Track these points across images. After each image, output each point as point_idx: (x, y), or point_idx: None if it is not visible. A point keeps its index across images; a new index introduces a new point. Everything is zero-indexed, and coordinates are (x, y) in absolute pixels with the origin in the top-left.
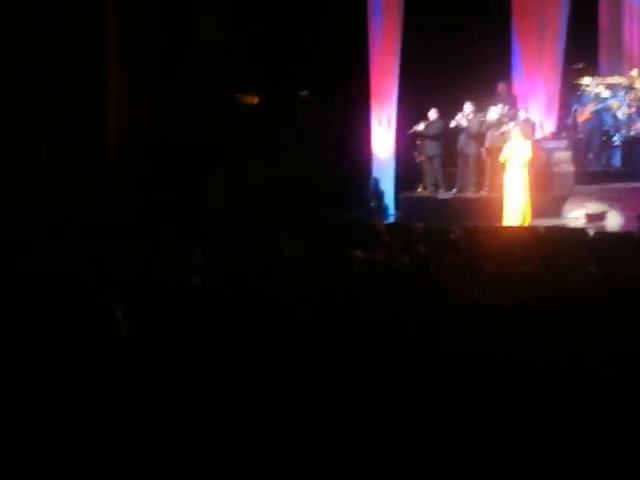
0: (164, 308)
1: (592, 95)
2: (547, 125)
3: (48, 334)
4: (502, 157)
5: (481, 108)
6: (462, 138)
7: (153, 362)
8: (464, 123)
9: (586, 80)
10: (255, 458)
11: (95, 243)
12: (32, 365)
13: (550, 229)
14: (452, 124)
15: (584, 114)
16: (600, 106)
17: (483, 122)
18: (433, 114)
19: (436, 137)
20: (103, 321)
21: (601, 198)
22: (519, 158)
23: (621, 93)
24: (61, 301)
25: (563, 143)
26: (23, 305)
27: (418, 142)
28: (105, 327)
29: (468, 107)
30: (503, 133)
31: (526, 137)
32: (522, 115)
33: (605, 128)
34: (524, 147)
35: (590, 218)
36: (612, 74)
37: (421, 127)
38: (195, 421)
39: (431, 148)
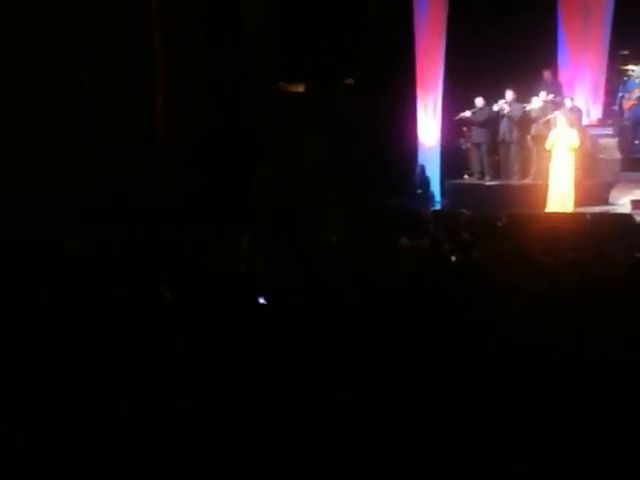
0: (210, 291)
1: (637, 81)
2: (593, 112)
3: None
4: (548, 144)
5: (526, 95)
6: (504, 125)
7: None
8: (507, 109)
9: (632, 66)
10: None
11: (144, 231)
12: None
13: (596, 215)
14: (495, 108)
15: (630, 101)
16: None
17: (527, 109)
18: (480, 101)
19: (483, 124)
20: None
21: None
22: (565, 145)
23: None
24: (110, 285)
25: (609, 130)
26: (73, 289)
27: (464, 129)
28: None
29: (510, 94)
30: (548, 120)
31: (572, 124)
32: (568, 102)
33: None
34: (570, 134)
35: (636, 204)
36: None
37: (468, 114)
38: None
39: (478, 135)
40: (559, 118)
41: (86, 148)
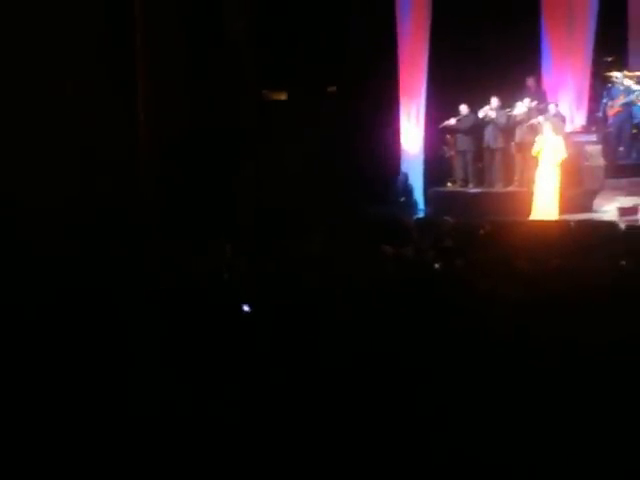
0: (193, 302)
1: (621, 88)
2: (577, 119)
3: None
4: (534, 151)
5: (510, 103)
6: (489, 132)
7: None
8: (492, 115)
9: (616, 73)
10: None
11: (122, 240)
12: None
13: (581, 223)
14: (480, 114)
15: (614, 107)
16: (629, 99)
17: (511, 116)
18: (464, 109)
19: (468, 131)
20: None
21: (632, 192)
22: (551, 152)
23: None
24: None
25: (593, 137)
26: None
27: (448, 137)
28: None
29: (495, 101)
30: (532, 127)
31: (557, 131)
32: (553, 109)
33: (635, 121)
34: (556, 142)
35: (622, 211)
36: None
37: (453, 122)
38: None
39: (463, 143)
40: (545, 125)
41: (67, 149)
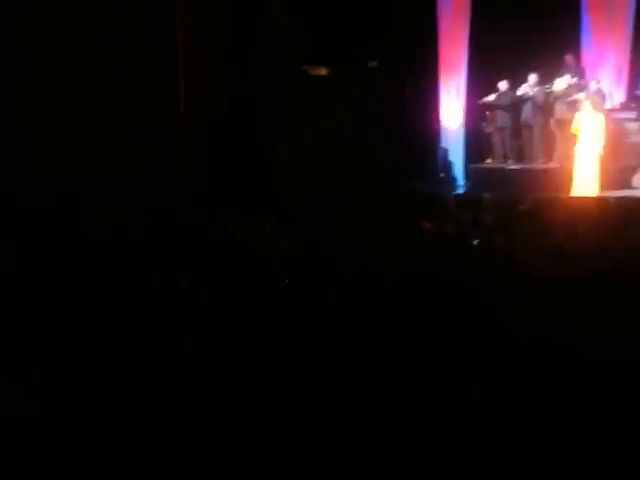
0: (232, 276)
1: None
2: (617, 95)
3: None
4: (574, 128)
5: (549, 79)
6: (527, 109)
7: (214, 326)
8: (530, 93)
9: None
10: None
11: (160, 213)
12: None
13: (620, 200)
14: (519, 92)
15: None
16: None
17: (550, 93)
18: (503, 85)
19: (507, 108)
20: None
21: None
22: (591, 129)
23: None
24: (129, 269)
25: (633, 114)
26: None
27: (487, 113)
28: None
29: (533, 78)
30: (572, 104)
31: (597, 108)
32: (593, 86)
33: None
34: (596, 118)
35: None
36: None
37: (492, 98)
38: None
39: (502, 119)
40: (584, 102)
41: (108, 130)
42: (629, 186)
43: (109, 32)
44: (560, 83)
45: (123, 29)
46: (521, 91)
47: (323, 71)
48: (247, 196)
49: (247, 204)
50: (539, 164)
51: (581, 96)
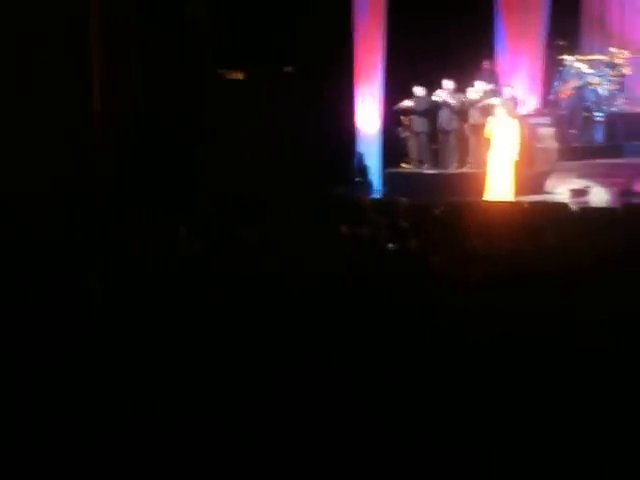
0: (145, 281)
1: (573, 71)
2: (530, 101)
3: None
4: (487, 133)
5: (464, 85)
6: (443, 114)
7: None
8: (445, 98)
9: (567, 57)
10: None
11: (80, 223)
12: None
13: (534, 204)
14: (434, 98)
15: (566, 90)
16: (581, 82)
17: (465, 98)
18: (420, 90)
19: (423, 113)
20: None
21: (583, 174)
22: (504, 135)
23: (603, 70)
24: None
25: (546, 119)
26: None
27: (403, 118)
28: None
29: (447, 84)
30: (486, 109)
31: (511, 114)
32: (507, 92)
33: (587, 104)
34: (510, 124)
35: (574, 193)
36: (592, 52)
37: (408, 103)
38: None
39: (418, 124)
40: (498, 107)
41: (22, 135)
42: (543, 191)
43: (22, 33)
44: (475, 91)
45: (37, 31)
46: (436, 97)
47: (239, 75)
48: (166, 198)
49: (166, 206)
50: (453, 169)
51: (495, 102)
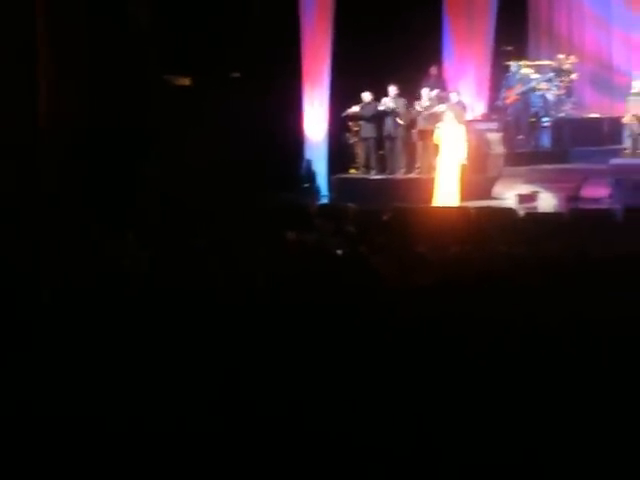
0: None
1: (518, 77)
2: (478, 107)
3: None
4: (435, 139)
5: (412, 90)
6: (389, 121)
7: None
8: (392, 105)
9: (512, 62)
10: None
11: (23, 228)
12: None
13: (481, 210)
14: (380, 107)
15: (511, 96)
16: (526, 87)
17: (412, 105)
18: (367, 96)
19: (370, 119)
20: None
21: (531, 179)
22: (452, 140)
23: (550, 75)
24: None
25: (494, 125)
26: None
27: (351, 124)
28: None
29: (393, 90)
30: (434, 115)
31: (459, 119)
32: (454, 97)
33: (534, 109)
34: (457, 129)
35: (522, 199)
36: (540, 57)
37: (356, 109)
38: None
39: (365, 130)
40: (446, 113)
41: None
42: (490, 196)
43: None
44: (423, 95)
45: None
46: (382, 106)
47: (186, 81)
48: (113, 210)
49: (113, 218)
50: (401, 175)
51: (442, 108)
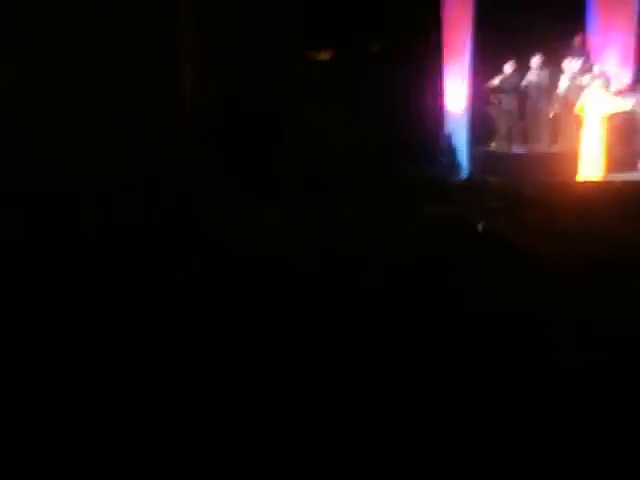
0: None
1: None
2: (623, 78)
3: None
4: (578, 110)
5: (554, 61)
6: (532, 92)
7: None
8: (535, 75)
9: None
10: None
11: (164, 201)
12: None
13: (626, 183)
14: (523, 80)
15: None
16: None
17: (556, 76)
18: (509, 68)
19: (512, 91)
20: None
21: None
22: (596, 112)
23: None
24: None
25: (638, 96)
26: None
27: (492, 97)
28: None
29: (537, 60)
30: (578, 86)
31: (603, 90)
32: (598, 68)
33: None
34: (601, 101)
35: None
36: None
37: (497, 81)
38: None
39: (507, 102)
40: (590, 84)
41: (109, 120)
42: (636, 169)
43: (107, 16)
44: (567, 66)
45: (124, 24)
46: (525, 76)
47: (326, 55)
48: (254, 185)
49: (254, 192)
50: (544, 147)
51: (586, 79)
